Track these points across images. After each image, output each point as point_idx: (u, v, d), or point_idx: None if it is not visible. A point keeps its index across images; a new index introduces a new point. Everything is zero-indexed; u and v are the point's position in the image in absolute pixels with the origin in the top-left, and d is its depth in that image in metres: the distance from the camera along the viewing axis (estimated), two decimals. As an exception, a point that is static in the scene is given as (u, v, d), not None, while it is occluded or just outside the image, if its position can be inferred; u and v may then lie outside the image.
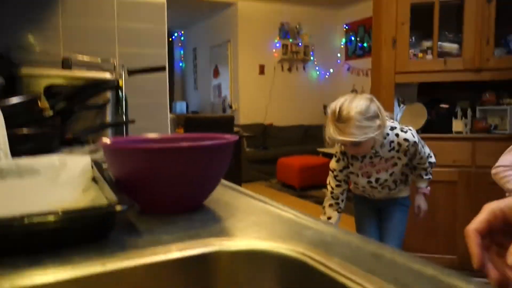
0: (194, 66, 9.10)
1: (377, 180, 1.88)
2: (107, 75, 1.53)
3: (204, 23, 8.36)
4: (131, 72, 1.67)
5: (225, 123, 4.76)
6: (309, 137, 7.26)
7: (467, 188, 2.69)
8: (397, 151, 1.80)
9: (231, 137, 0.64)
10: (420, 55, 2.89)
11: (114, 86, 1.45)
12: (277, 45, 7.26)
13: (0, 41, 1.60)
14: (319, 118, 7.26)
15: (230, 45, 7.34)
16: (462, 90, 2.93)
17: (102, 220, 0.51)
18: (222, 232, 0.53)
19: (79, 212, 0.48)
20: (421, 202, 2.05)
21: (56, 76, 1.44)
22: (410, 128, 1.84)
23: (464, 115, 2.80)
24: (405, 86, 2.96)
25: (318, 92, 7.54)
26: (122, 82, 1.61)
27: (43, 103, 1.08)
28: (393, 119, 1.92)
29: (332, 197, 1.95)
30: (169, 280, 0.46)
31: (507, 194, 1.81)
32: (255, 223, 0.57)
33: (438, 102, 2.94)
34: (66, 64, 1.58)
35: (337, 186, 1.94)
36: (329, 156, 2.14)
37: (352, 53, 7.38)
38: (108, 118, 1.42)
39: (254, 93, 7.19)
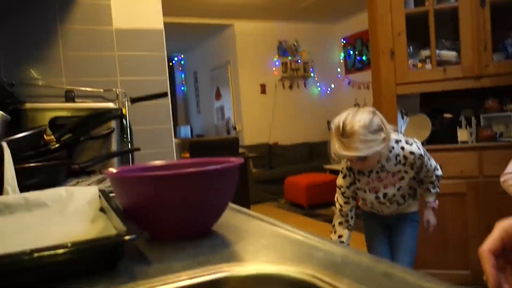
0: (196, 89, 9.17)
1: (385, 195, 1.86)
2: (110, 105, 1.55)
3: (203, 46, 8.46)
4: (134, 100, 1.69)
5: (230, 145, 4.77)
6: (314, 154, 7.25)
7: (476, 199, 2.65)
8: (404, 164, 1.79)
9: (236, 160, 0.64)
10: (419, 65, 2.89)
11: (118, 115, 1.46)
12: (277, 63, 7.33)
13: (4, 76, 1.62)
14: (324, 134, 7.26)
15: (230, 66, 7.42)
16: (463, 98, 2.92)
17: (111, 250, 0.51)
18: (232, 257, 0.53)
19: (88, 243, 0.48)
20: (430, 217, 2.02)
21: (60, 108, 1.46)
22: (415, 140, 1.83)
23: (468, 123, 2.79)
24: (407, 97, 2.96)
25: (320, 108, 7.57)
26: (125, 111, 1.62)
27: (49, 136, 1.09)
28: (397, 131, 1.92)
29: (342, 214, 1.92)
30: (181, 309, 0.45)
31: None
32: (264, 246, 0.57)
33: (440, 112, 2.93)
34: (69, 96, 1.60)
35: (345, 203, 1.92)
36: (336, 172, 2.13)
37: (352, 66, 7.42)
38: (114, 147, 1.43)
39: (257, 112, 7.22)
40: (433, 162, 1.88)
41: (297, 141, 7.32)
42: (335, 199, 1.96)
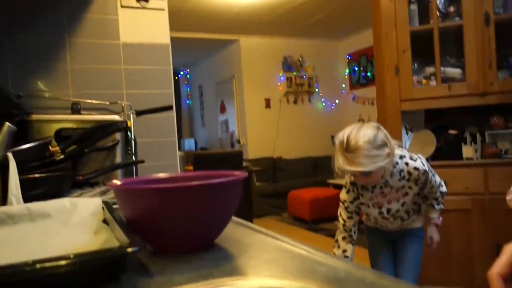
0: (201, 103, 9.23)
1: (388, 210, 1.85)
2: (115, 117, 1.56)
3: (209, 61, 8.54)
4: (139, 113, 1.70)
5: (234, 158, 4.77)
6: (318, 168, 7.24)
7: (481, 216, 2.63)
8: (408, 180, 1.79)
9: (240, 174, 0.64)
10: (424, 81, 2.90)
11: (123, 127, 1.47)
12: (282, 78, 7.37)
13: (12, 88, 1.64)
14: (328, 149, 7.26)
15: (235, 80, 7.46)
16: (468, 115, 2.92)
17: (114, 262, 0.50)
18: (235, 271, 0.53)
19: (90, 255, 0.48)
20: (433, 233, 2.01)
21: (66, 120, 1.47)
22: (420, 156, 1.83)
23: (473, 140, 2.78)
24: (412, 114, 2.96)
25: (325, 123, 7.57)
26: (130, 123, 1.63)
27: (54, 147, 1.10)
28: (401, 147, 1.91)
29: (345, 229, 1.91)
30: (182, 323, 0.45)
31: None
32: (267, 261, 0.56)
33: (445, 128, 2.93)
34: (75, 108, 1.62)
35: (348, 218, 1.91)
36: (340, 187, 2.12)
37: (356, 82, 7.45)
38: (118, 159, 1.43)
39: (261, 127, 7.24)
40: (437, 178, 1.87)
41: (301, 156, 7.32)
42: (338, 214, 1.95)
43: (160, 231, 0.60)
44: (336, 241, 1.94)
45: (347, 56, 7.61)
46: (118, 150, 1.44)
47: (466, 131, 2.85)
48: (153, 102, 1.85)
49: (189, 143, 8.86)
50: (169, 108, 1.78)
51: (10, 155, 0.87)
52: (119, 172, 1.45)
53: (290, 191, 6.17)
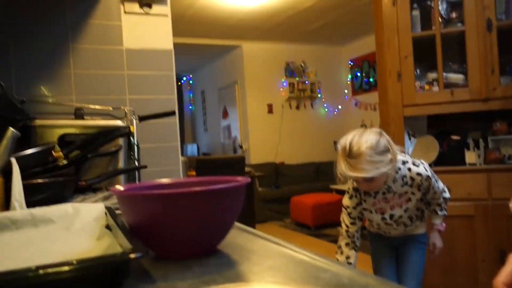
0: (203, 108, 9.25)
1: (391, 216, 1.85)
2: (118, 123, 1.56)
3: (211, 66, 8.56)
4: (142, 118, 1.71)
5: (236, 164, 4.77)
6: (320, 174, 7.23)
7: (485, 222, 2.62)
8: (410, 185, 1.78)
9: (244, 179, 0.64)
10: (427, 87, 2.90)
11: (126, 133, 1.47)
12: (284, 83, 7.38)
13: (15, 93, 1.65)
14: (330, 154, 7.26)
15: (237, 86, 7.48)
16: (471, 121, 2.92)
17: (116, 268, 0.50)
18: (238, 277, 0.53)
19: (93, 261, 0.48)
20: (436, 240, 2.00)
21: (69, 126, 1.48)
22: (422, 161, 1.82)
23: (476, 146, 2.78)
24: (414, 119, 2.96)
25: (327, 129, 7.58)
26: (133, 129, 1.64)
27: (57, 152, 1.10)
28: (404, 152, 1.91)
29: (348, 235, 1.90)
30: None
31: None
32: (270, 267, 0.56)
33: (447, 134, 2.93)
34: (78, 114, 1.62)
35: (351, 224, 1.90)
36: (342, 193, 2.12)
37: (359, 88, 7.46)
38: (121, 164, 1.43)
39: (264, 132, 7.25)
40: (440, 184, 1.87)
41: (303, 161, 7.32)
42: (341, 220, 1.94)
43: (163, 237, 0.60)
44: (339, 247, 1.93)
45: (350, 62, 7.62)
46: (121, 155, 1.44)
47: (469, 137, 2.85)
48: (156, 108, 1.86)
49: (191, 149, 8.87)
50: (172, 113, 1.78)
51: (13, 160, 0.87)
52: (121, 177, 1.45)
53: (292, 196, 6.16)
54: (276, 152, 7.24)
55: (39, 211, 0.72)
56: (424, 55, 2.83)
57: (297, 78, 7.44)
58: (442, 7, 2.85)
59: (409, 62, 2.79)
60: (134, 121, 1.69)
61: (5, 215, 0.69)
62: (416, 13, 2.87)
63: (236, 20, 5.87)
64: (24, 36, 1.72)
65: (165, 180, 0.77)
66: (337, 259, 1.89)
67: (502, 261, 0.49)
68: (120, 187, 0.68)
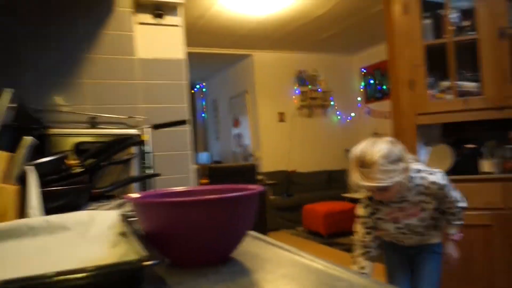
0: (215, 116, 9.29)
1: (406, 225, 1.82)
2: (132, 131, 1.57)
3: (223, 75, 8.61)
4: (155, 127, 1.72)
5: (247, 172, 4.78)
6: (333, 182, 7.19)
7: (502, 232, 2.57)
8: (425, 194, 1.76)
9: (258, 187, 0.65)
10: (440, 95, 2.87)
11: (139, 141, 1.48)
12: (296, 92, 7.38)
13: (31, 102, 1.67)
14: (342, 162, 7.21)
15: (248, 95, 7.50)
16: (487, 129, 2.88)
17: (131, 275, 0.51)
18: (252, 285, 0.53)
19: (110, 267, 0.48)
20: (451, 250, 1.95)
21: (83, 134, 1.50)
22: (439, 170, 1.80)
23: (491, 154, 2.74)
24: (429, 128, 2.93)
25: (339, 137, 7.55)
26: (146, 137, 1.65)
27: (72, 160, 1.11)
28: (418, 161, 1.89)
29: (364, 245, 1.87)
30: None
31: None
32: (284, 276, 0.56)
33: (462, 142, 2.89)
34: (93, 122, 1.64)
35: (367, 233, 1.87)
36: (355, 201, 2.10)
37: (371, 96, 7.43)
38: (134, 172, 1.45)
39: (276, 140, 7.24)
40: (456, 194, 1.84)
41: (315, 169, 7.29)
42: (355, 230, 1.92)
43: (178, 244, 0.60)
44: (354, 257, 1.90)
45: (362, 70, 7.60)
46: (135, 163, 1.45)
47: (484, 145, 2.81)
48: (169, 116, 1.87)
49: (203, 157, 8.91)
50: (185, 122, 1.80)
51: (32, 168, 0.88)
52: (134, 185, 1.46)
53: (304, 204, 6.13)
54: (288, 160, 7.23)
55: (55, 218, 0.73)
56: (437, 63, 2.81)
57: (309, 86, 7.44)
58: (453, 16, 2.83)
59: (421, 70, 2.77)
60: (148, 130, 1.71)
61: (22, 222, 0.70)
62: (428, 21, 2.86)
63: (247, 30, 5.90)
64: (39, 47, 1.76)
65: (179, 188, 0.77)
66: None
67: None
68: (136, 195, 0.68)
